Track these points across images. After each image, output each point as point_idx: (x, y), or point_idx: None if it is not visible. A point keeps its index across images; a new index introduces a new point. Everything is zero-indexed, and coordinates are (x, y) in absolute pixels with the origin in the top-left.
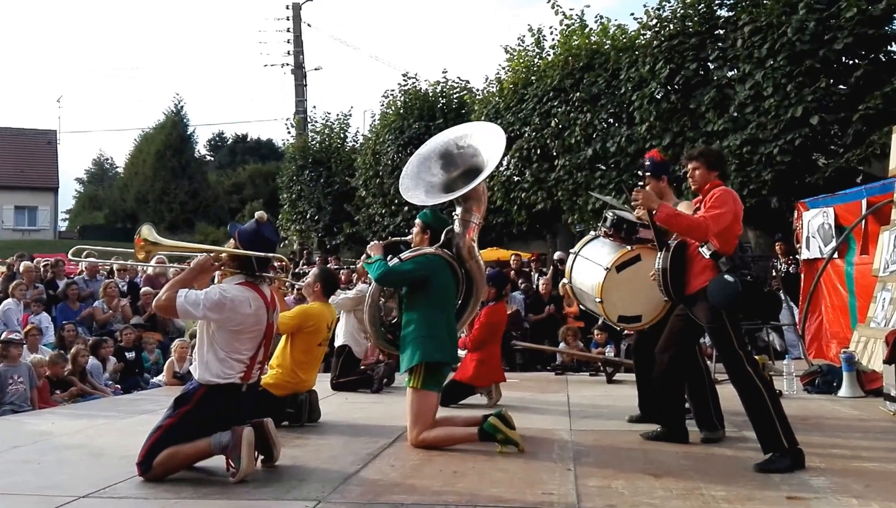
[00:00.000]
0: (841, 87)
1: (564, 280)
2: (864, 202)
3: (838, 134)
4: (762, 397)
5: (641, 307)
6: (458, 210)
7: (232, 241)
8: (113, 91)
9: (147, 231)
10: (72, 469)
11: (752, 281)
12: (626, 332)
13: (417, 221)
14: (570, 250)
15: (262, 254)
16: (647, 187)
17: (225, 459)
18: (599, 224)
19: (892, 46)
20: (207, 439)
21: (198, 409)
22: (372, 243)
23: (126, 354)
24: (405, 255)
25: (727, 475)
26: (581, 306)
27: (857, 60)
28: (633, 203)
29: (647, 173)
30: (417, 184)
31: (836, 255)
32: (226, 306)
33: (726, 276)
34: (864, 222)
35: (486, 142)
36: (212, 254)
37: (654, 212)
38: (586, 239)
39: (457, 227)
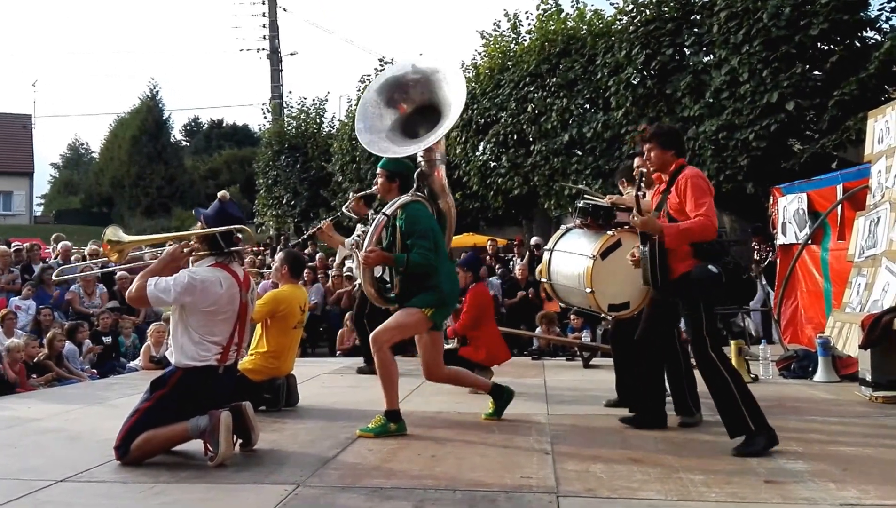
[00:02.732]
0: (816, 72)
1: (542, 279)
2: (839, 188)
3: (814, 120)
4: (725, 381)
5: (629, 294)
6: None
7: (199, 225)
8: (88, 75)
9: (111, 232)
10: (49, 454)
11: (733, 268)
12: (601, 316)
13: (380, 170)
14: (544, 248)
15: (224, 228)
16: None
17: (203, 443)
18: (573, 216)
19: (867, 32)
20: (185, 423)
21: (174, 392)
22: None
23: (103, 338)
24: (388, 210)
25: (705, 459)
26: (562, 304)
27: (832, 46)
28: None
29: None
30: (379, 137)
31: (810, 241)
32: (196, 287)
33: (710, 266)
34: (839, 207)
35: (435, 76)
36: (181, 242)
37: (662, 237)
38: (558, 234)
39: (425, 168)
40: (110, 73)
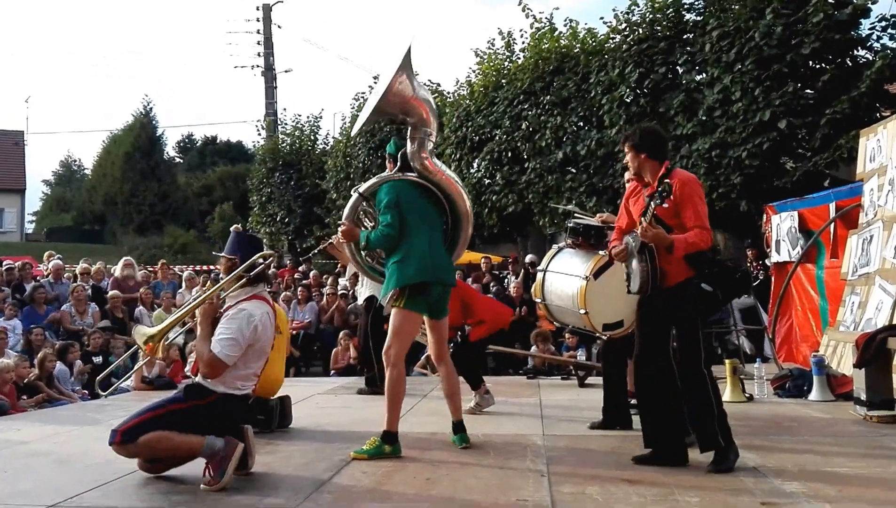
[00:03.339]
0: (808, 91)
1: (537, 300)
2: (832, 206)
3: (806, 138)
4: (709, 398)
5: (622, 312)
6: (409, 132)
7: (223, 260)
8: (81, 92)
9: (139, 335)
10: (38, 477)
11: (721, 273)
12: (596, 334)
13: (386, 154)
14: (538, 269)
15: (249, 262)
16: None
17: (205, 464)
18: (564, 236)
19: (858, 51)
20: (201, 439)
21: (209, 410)
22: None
23: (94, 358)
24: (361, 187)
25: (701, 480)
26: (557, 324)
27: (823, 65)
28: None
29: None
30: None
31: (803, 259)
32: (258, 328)
33: (703, 285)
34: (832, 225)
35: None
36: (209, 299)
37: (670, 249)
38: (551, 254)
39: (409, 146)
40: (103, 89)
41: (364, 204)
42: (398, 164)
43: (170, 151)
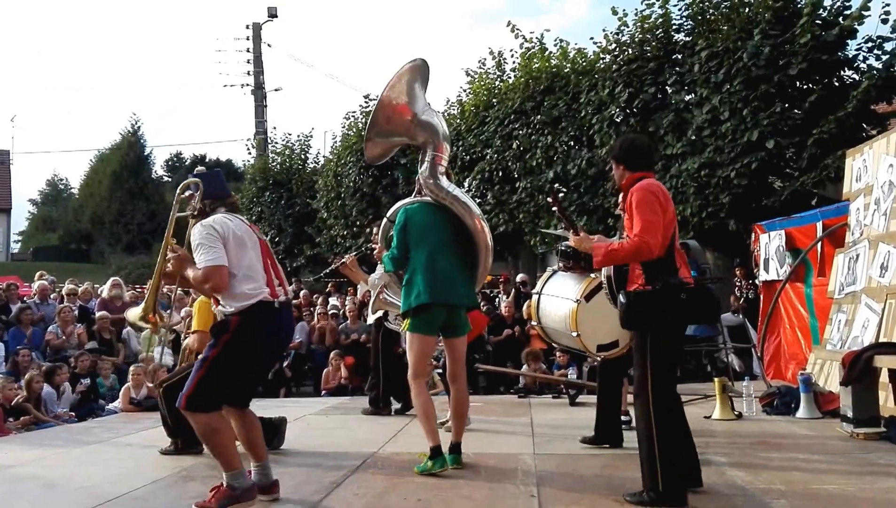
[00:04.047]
0: (796, 111)
1: (533, 322)
2: (819, 225)
3: (793, 158)
4: (650, 429)
5: (617, 333)
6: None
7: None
8: (68, 111)
9: (135, 316)
10: (25, 502)
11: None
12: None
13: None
14: (533, 292)
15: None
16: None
17: (215, 487)
18: (557, 260)
19: (845, 72)
20: (238, 463)
21: (237, 336)
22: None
23: (81, 380)
24: (390, 212)
25: (691, 497)
26: (555, 345)
27: (811, 85)
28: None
29: None
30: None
31: (792, 277)
32: (214, 226)
33: (661, 289)
34: (819, 244)
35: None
36: (174, 251)
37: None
38: (545, 277)
39: (419, 170)
40: (91, 108)
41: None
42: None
43: (158, 169)
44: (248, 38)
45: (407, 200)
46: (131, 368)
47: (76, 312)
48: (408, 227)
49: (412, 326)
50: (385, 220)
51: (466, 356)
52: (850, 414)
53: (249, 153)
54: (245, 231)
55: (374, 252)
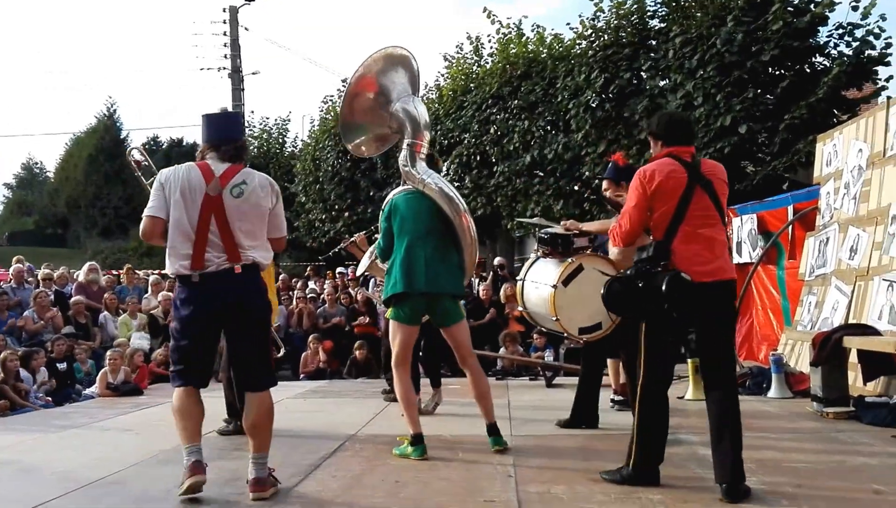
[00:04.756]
0: (768, 97)
1: (519, 307)
2: (790, 209)
3: (766, 142)
4: (634, 408)
5: (599, 315)
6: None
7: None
8: (43, 94)
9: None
10: (2, 486)
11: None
12: (565, 336)
13: None
14: (517, 278)
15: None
16: (606, 191)
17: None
18: (536, 246)
19: (816, 58)
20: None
21: (178, 307)
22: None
23: (58, 365)
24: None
25: (664, 478)
26: (543, 330)
27: (783, 71)
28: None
29: (608, 177)
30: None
31: (763, 259)
32: (160, 179)
33: (633, 277)
34: (791, 227)
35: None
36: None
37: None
38: (528, 263)
39: (399, 159)
40: (66, 91)
41: None
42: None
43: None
44: (224, 22)
45: (395, 190)
46: (108, 352)
47: (52, 297)
48: (391, 216)
49: (393, 314)
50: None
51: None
52: (819, 394)
53: None
54: (193, 187)
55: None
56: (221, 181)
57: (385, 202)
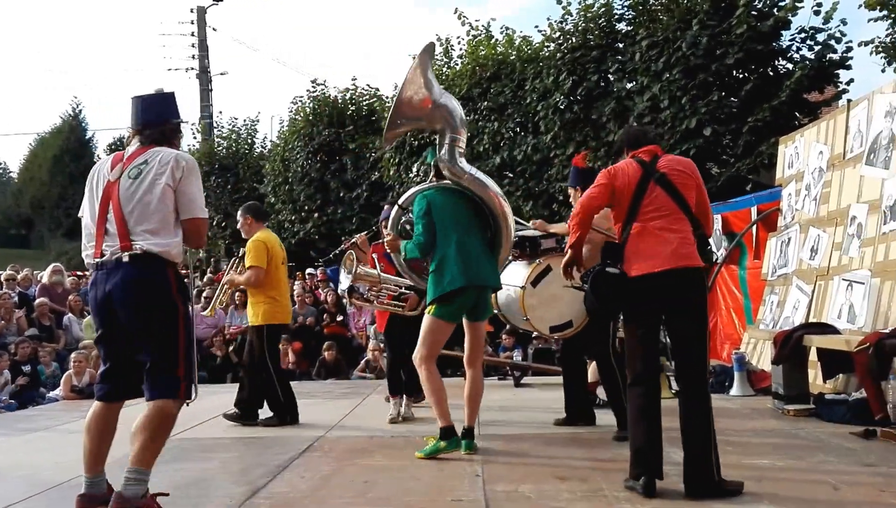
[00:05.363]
0: (732, 99)
1: (495, 310)
2: (753, 210)
3: (730, 144)
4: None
5: (569, 313)
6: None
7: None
8: (6, 94)
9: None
10: None
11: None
12: (534, 335)
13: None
14: None
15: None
16: (573, 200)
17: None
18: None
19: (779, 62)
20: (89, 470)
21: None
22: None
23: (22, 367)
24: (402, 199)
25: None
26: (521, 331)
27: (747, 75)
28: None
29: (571, 185)
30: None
31: (727, 260)
32: (89, 175)
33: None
34: (754, 228)
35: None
36: None
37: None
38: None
39: (438, 154)
40: (30, 90)
41: (404, 216)
42: (434, 172)
43: (101, 154)
44: (192, 22)
45: (422, 185)
46: (73, 355)
47: (16, 298)
48: (432, 212)
49: (439, 312)
50: (395, 207)
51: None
52: (780, 391)
53: (194, 137)
54: (100, 176)
55: (385, 241)
56: (125, 164)
57: (409, 200)
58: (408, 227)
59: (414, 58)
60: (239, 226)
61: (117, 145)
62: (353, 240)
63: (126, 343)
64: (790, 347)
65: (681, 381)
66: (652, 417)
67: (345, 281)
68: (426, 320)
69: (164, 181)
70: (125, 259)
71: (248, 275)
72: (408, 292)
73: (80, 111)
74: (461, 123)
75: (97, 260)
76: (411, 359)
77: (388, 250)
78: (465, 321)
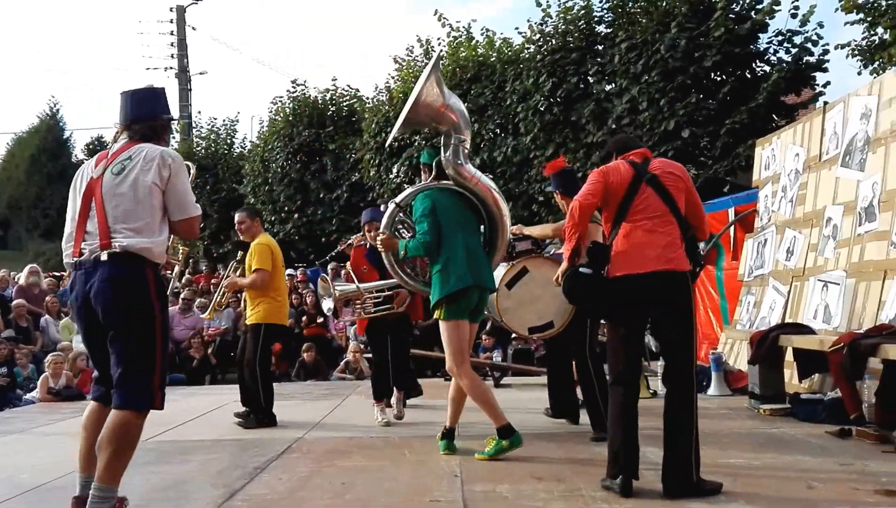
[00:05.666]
0: (710, 102)
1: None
2: (731, 211)
3: (707, 146)
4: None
5: (550, 314)
6: (442, 140)
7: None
8: None
9: None
10: None
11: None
12: (513, 336)
13: (420, 164)
14: None
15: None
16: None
17: None
18: None
19: (757, 64)
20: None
21: None
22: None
23: None
24: (399, 198)
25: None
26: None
27: (724, 77)
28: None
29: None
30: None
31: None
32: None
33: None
34: (732, 229)
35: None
36: None
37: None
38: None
39: (443, 154)
40: (7, 89)
41: (401, 214)
42: (433, 172)
43: (79, 153)
44: (171, 21)
45: (421, 184)
46: (49, 356)
47: None
48: (438, 212)
49: (449, 313)
50: (393, 205)
51: (401, 339)
52: (757, 391)
53: (173, 137)
54: (84, 175)
55: (380, 240)
56: (109, 161)
57: (407, 198)
58: (400, 227)
59: (430, 53)
60: (240, 228)
61: (95, 145)
62: (349, 241)
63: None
64: (766, 347)
65: (667, 383)
66: (631, 417)
67: (326, 302)
68: (442, 327)
69: (150, 179)
70: (104, 257)
71: (254, 278)
72: (391, 292)
73: (58, 110)
74: (466, 125)
75: (75, 260)
76: (397, 358)
77: (382, 249)
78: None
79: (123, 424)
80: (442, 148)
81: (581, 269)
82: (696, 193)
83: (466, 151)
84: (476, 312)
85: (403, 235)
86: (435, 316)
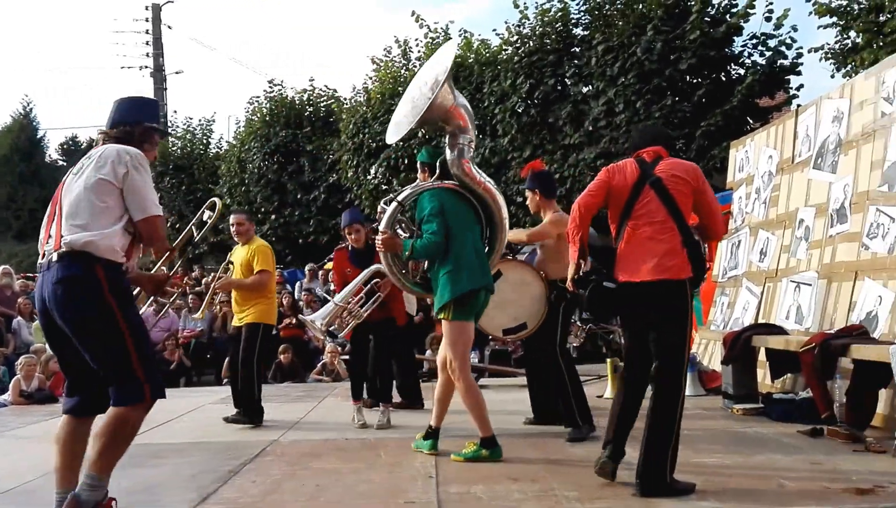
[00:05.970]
0: (685, 104)
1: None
2: None
3: (683, 148)
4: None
5: (524, 316)
6: (447, 139)
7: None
8: None
9: None
10: None
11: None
12: (490, 338)
13: (418, 163)
14: None
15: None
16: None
17: None
18: None
19: (732, 67)
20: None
21: None
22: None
23: None
24: (401, 196)
25: (580, 476)
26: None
27: (700, 80)
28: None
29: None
30: (394, 129)
31: None
32: None
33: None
34: None
35: (432, 67)
36: None
37: None
38: None
39: (448, 154)
40: None
41: (400, 214)
42: (435, 172)
43: (52, 153)
44: (147, 20)
45: (422, 184)
46: (22, 359)
47: None
48: (446, 212)
49: (458, 314)
50: (395, 204)
51: (385, 343)
52: (730, 391)
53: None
54: (67, 178)
55: (381, 239)
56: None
57: (409, 197)
58: (398, 227)
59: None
60: (239, 229)
61: (69, 145)
62: (345, 245)
63: (78, 351)
64: (739, 347)
65: (655, 384)
66: (628, 420)
67: (318, 326)
68: (449, 327)
69: (100, 174)
70: (54, 258)
71: (257, 279)
72: (372, 282)
73: (31, 109)
74: (473, 125)
75: (39, 263)
76: (378, 364)
77: (382, 250)
78: None
79: (118, 417)
80: (447, 148)
81: (605, 283)
82: (708, 192)
83: (472, 151)
84: (479, 314)
85: (400, 235)
86: (440, 317)
